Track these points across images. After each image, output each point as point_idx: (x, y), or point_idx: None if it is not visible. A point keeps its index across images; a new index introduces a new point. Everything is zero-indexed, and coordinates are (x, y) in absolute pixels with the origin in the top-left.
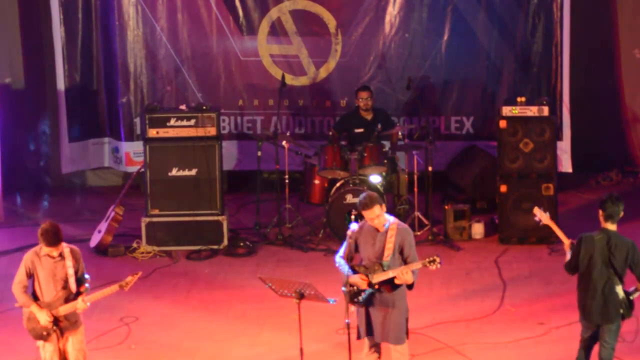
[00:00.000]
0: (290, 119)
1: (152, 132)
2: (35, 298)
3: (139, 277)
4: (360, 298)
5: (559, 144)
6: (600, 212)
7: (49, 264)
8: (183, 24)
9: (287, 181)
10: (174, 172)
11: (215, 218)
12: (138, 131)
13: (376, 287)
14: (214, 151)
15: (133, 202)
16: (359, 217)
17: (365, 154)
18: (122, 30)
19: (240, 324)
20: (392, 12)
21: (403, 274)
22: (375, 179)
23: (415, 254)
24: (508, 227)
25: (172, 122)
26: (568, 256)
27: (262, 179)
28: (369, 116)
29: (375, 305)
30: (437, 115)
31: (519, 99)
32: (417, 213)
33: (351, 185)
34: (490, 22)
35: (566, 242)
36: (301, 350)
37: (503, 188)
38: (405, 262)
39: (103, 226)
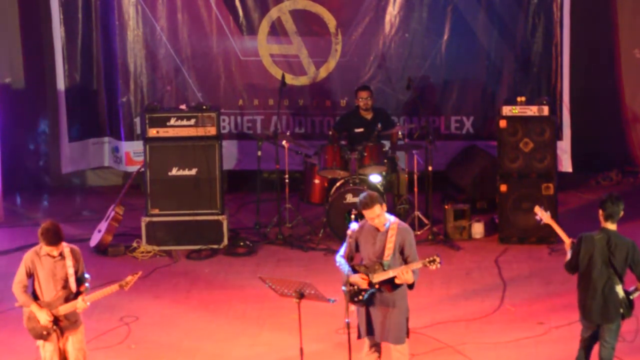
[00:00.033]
0: (290, 119)
1: (152, 132)
2: (35, 298)
3: (139, 277)
4: (362, 297)
5: (559, 143)
6: (600, 212)
7: (49, 264)
8: (183, 24)
9: (287, 181)
10: (174, 171)
11: (215, 218)
12: (138, 131)
13: (377, 286)
14: (214, 151)
15: (133, 202)
16: (359, 217)
17: (365, 154)
18: (122, 30)
19: (240, 323)
20: (392, 12)
21: (403, 274)
22: (375, 178)
23: (415, 254)
24: (508, 227)
25: (172, 121)
26: (569, 255)
27: (262, 178)
28: (369, 116)
29: (375, 304)
30: (437, 115)
31: (519, 99)
32: (417, 213)
33: (351, 184)
34: (490, 22)
35: (567, 241)
36: (301, 350)
37: (503, 188)
38: (405, 261)
39: (103, 226)
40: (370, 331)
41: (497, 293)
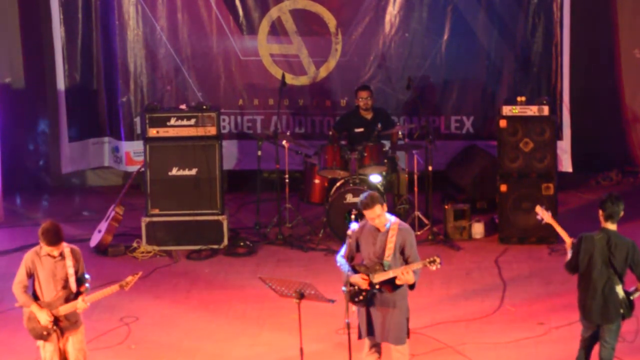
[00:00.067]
0: (290, 119)
1: (152, 132)
2: (35, 298)
3: (139, 277)
4: (362, 297)
5: (559, 143)
6: (600, 212)
7: (49, 264)
8: (183, 24)
9: (287, 181)
10: (174, 171)
11: (216, 218)
12: (138, 131)
13: (377, 287)
14: (214, 151)
15: (133, 202)
16: (359, 217)
17: (365, 154)
18: (122, 30)
19: (240, 324)
20: (392, 11)
21: (404, 274)
22: (375, 178)
23: (416, 254)
24: (508, 227)
25: (172, 121)
26: (569, 255)
27: (262, 178)
28: (369, 116)
29: (375, 305)
30: (437, 115)
31: (519, 99)
32: (417, 213)
33: (351, 184)
34: (490, 22)
35: (568, 241)
36: (301, 350)
37: (503, 188)
38: (406, 262)
39: (103, 226)
40: (370, 331)
41: (497, 293)
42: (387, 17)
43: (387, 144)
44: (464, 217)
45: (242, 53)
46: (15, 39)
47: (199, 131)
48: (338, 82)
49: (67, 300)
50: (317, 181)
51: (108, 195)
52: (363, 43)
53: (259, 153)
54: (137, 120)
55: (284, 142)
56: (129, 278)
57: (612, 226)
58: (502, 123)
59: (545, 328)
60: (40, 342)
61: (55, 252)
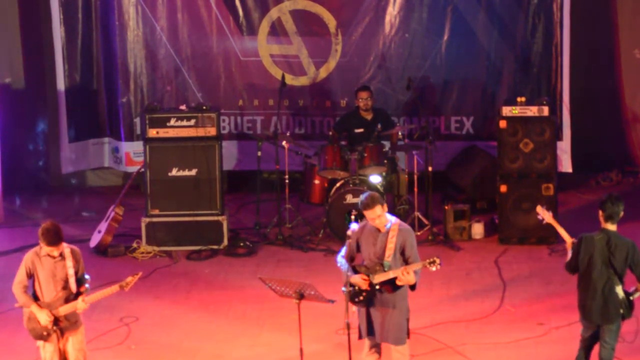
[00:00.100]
0: (290, 119)
1: (152, 132)
2: (35, 298)
3: (139, 278)
4: (362, 297)
5: (559, 144)
6: (600, 212)
7: (49, 264)
8: (183, 24)
9: (287, 181)
10: (174, 172)
11: (215, 218)
12: (138, 131)
13: (377, 287)
14: (214, 151)
15: (133, 202)
16: (359, 217)
17: (365, 154)
18: (122, 30)
19: (240, 324)
20: (392, 12)
21: (404, 275)
22: (375, 179)
23: (416, 255)
24: (508, 227)
25: (172, 122)
26: (569, 255)
27: (262, 179)
28: (369, 116)
29: (375, 305)
30: (437, 115)
31: (519, 99)
32: (417, 213)
33: (351, 185)
34: (490, 22)
35: (568, 241)
36: (301, 350)
37: (503, 188)
38: (406, 262)
39: (103, 226)
40: (370, 332)
41: (497, 293)
42: (387, 18)
43: (387, 145)
44: (463, 217)
45: (242, 53)
46: (15, 39)
47: (199, 132)
48: (338, 82)
49: (67, 300)
50: (317, 182)
51: (108, 196)
52: (363, 43)
53: (259, 153)
54: (137, 120)
55: (283, 143)
56: (129, 278)
57: (612, 227)
58: (502, 123)
59: (545, 328)
60: (40, 343)
61: (55, 253)
